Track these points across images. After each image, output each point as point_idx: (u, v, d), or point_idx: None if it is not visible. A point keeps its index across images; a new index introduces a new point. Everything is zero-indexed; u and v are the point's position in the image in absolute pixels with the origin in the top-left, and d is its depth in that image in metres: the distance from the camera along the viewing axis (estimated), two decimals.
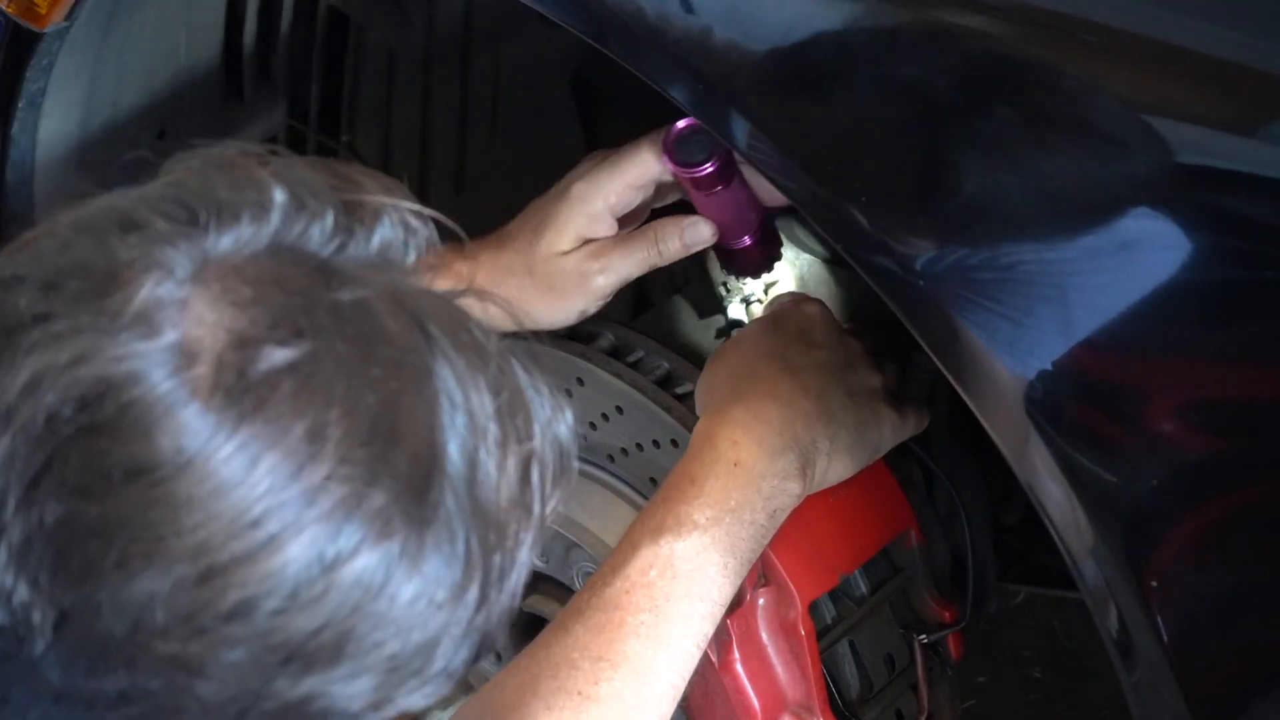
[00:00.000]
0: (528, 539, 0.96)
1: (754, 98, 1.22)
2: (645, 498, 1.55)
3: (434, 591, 0.91)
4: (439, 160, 2.24)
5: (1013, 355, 1.12)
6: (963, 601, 1.53)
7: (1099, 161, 1.09)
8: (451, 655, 0.94)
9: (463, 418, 0.92)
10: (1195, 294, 1.07)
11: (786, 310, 1.45)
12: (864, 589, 1.49)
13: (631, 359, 1.58)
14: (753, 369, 1.39)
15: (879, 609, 1.50)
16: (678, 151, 1.40)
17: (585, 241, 1.46)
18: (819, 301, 1.47)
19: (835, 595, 1.48)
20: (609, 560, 1.33)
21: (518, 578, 0.97)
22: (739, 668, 1.42)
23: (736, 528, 1.32)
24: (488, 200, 2.32)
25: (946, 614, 1.51)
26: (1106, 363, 1.11)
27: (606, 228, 1.46)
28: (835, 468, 1.39)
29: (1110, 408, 1.11)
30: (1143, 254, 1.08)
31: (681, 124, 1.39)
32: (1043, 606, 2.18)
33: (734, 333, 1.49)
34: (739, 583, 1.33)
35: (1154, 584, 1.10)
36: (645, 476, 1.55)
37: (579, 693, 1.25)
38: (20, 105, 1.63)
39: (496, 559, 0.94)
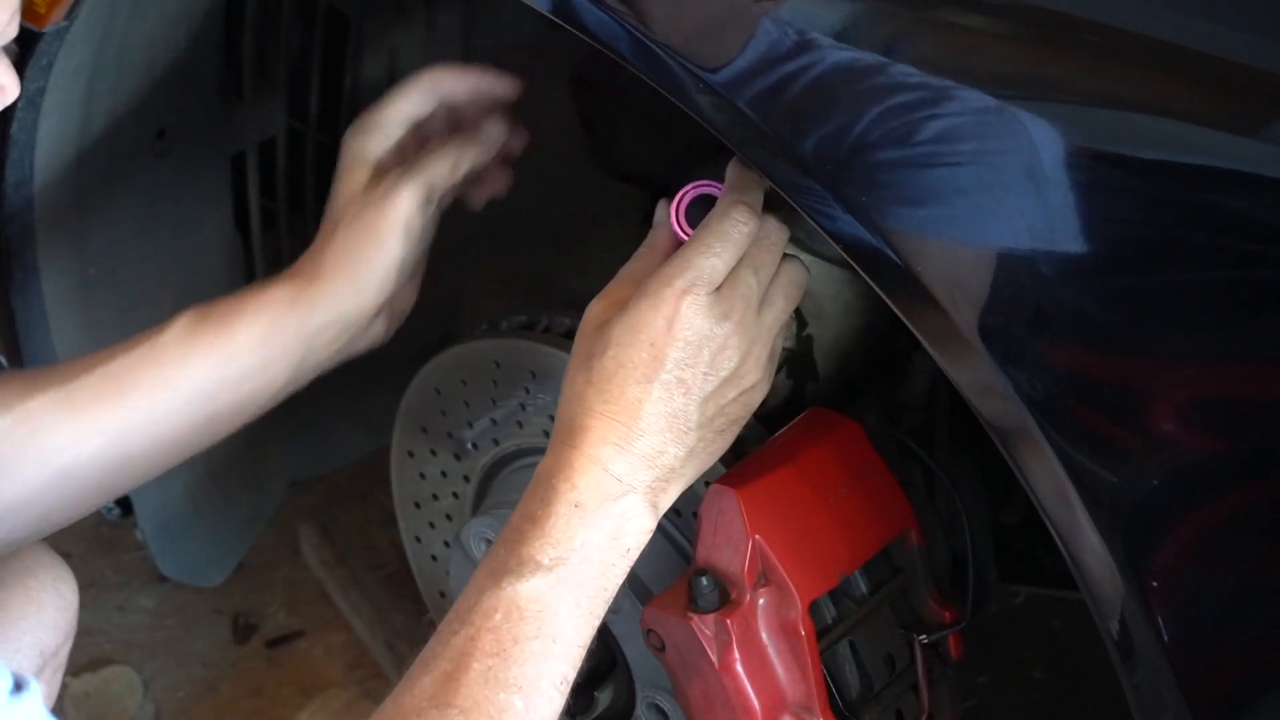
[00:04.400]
0: None
1: None
2: None
3: None
4: None
5: (1014, 356, 1.12)
6: (963, 602, 1.53)
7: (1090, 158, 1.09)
8: None
9: None
10: (1197, 294, 1.07)
11: (654, 314, 1.30)
12: (864, 589, 1.49)
13: None
14: (604, 393, 1.29)
15: (879, 609, 1.50)
16: (689, 218, 1.40)
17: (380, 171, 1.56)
18: (693, 280, 1.30)
19: (835, 595, 1.48)
20: (453, 609, 1.27)
21: None
22: (739, 668, 1.42)
23: (585, 566, 1.27)
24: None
25: (947, 614, 1.51)
26: (1108, 363, 1.11)
27: (399, 147, 1.59)
28: (683, 483, 1.34)
29: (1112, 408, 1.11)
30: (1143, 254, 1.08)
31: (691, 189, 1.39)
32: (1043, 607, 2.18)
33: (601, 331, 1.32)
34: (596, 623, 1.28)
35: (1154, 584, 1.10)
36: None
37: None
38: (19, 105, 1.63)
39: None
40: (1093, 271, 1.09)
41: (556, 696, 1.24)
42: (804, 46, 1.15)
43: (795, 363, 1.60)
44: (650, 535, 1.31)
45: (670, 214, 1.39)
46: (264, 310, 1.52)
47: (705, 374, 1.30)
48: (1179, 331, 1.08)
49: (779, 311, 1.35)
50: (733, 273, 1.32)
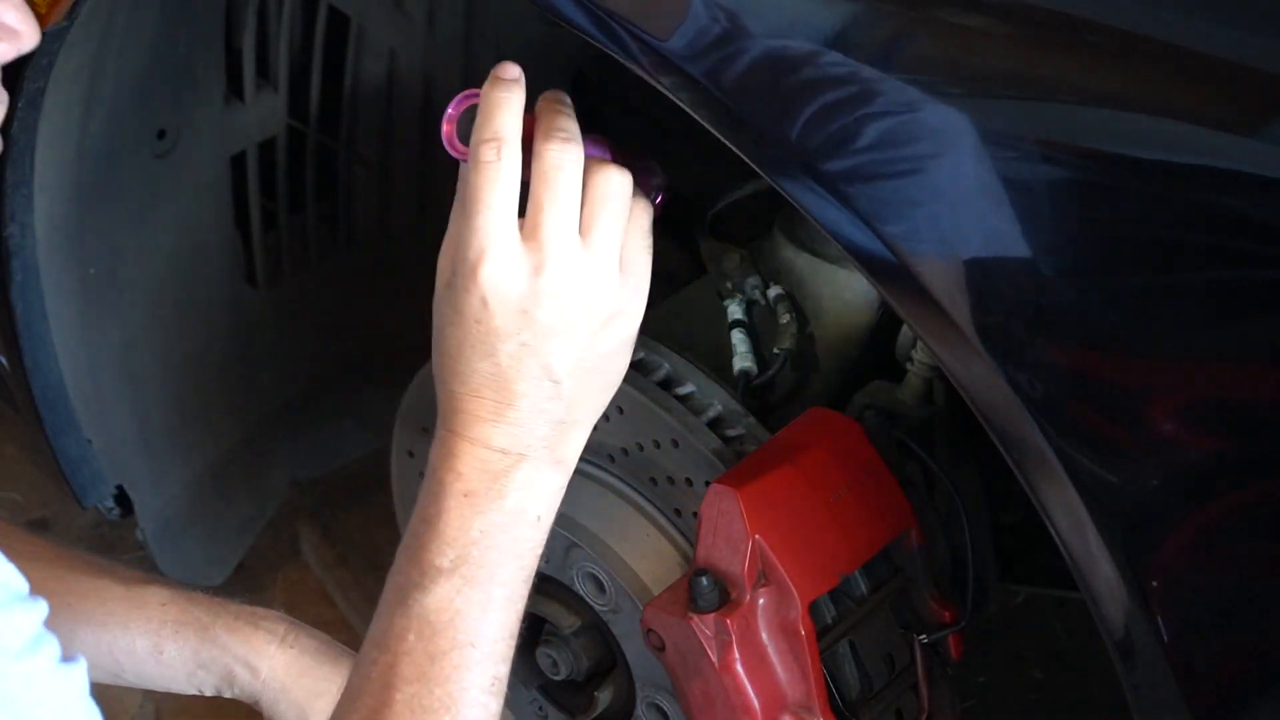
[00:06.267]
0: None
1: None
2: (645, 497, 1.56)
3: None
4: (439, 161, 2.24)
5: (1011, 354, 1.12)
6: (963, 601, 1.53)
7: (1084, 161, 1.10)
8: None
9: None
10: (1196, 294, 1.07)
11: (466, 295, 1.21)
12: (864, 589, 1.49)
13: (632, 360, 1.58)
14: (458, 374, 1.22)
15: (879, 609, 1.50)
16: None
17: None
18: (480, 246, 1.19)
19: (835, 595, 1.48)
20: (369, 632, 1.23)
21: None
22: (739, 668, 1.42)
23: (490, 555, 1.21)
24: None
25: (946, 614, 1.51)
26: (1107, 362, 1.11)
27: None
28: (583, 429, 1.26)
29: (1112, 408, 1.11)
30: (1139, 255, 1.08)
31: (461, 99, 1.24)
32: (1043, 606, 2.18)
33: (435, 323, 1.25)
34: (519, 605, 1.23)
35: (1154, 584, 1.10)
36: (645, 476, 1.55)
37: None
38: (20, 105, 1.63)
39: None
40: (1092, 272, 1.09)
41: (490, 700, 1.21)
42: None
43: (796, 361, 1.60)
44: (563, 490, 1.25)
45: (442, 133, 1.23)
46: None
47: (546, 329, 1.20)
48: (1180, 331, 1.08)
49: (605, 228, 1.21)
50: (529, 215, 1.20)
